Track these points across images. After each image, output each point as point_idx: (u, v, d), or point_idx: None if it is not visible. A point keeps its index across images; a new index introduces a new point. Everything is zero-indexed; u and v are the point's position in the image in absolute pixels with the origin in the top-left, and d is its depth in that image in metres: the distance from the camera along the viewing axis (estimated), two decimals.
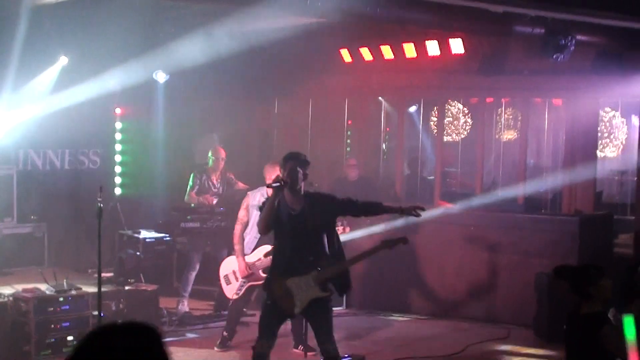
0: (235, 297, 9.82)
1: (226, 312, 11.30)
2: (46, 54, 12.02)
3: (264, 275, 9.44)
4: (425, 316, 11.69)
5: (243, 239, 9.74)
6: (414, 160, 13.67)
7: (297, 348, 9.73)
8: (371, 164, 14.07)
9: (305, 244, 7.26)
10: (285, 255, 7.31)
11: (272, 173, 9.38)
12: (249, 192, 9.96)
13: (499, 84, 12.29)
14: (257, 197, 9.57)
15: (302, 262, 7.24)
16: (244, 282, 9.74)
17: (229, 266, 9.90)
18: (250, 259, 9.69)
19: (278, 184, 7.15)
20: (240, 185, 11.82)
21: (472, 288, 11.64)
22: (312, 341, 9.48)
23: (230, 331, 9.91)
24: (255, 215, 9.39)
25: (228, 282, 9.89)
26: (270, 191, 9.37)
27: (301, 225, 7.21)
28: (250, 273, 9.65)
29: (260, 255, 9.58)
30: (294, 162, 7.25)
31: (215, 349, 9.79)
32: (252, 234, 9.66)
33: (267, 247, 9.38)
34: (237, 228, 9.77)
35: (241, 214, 9.77)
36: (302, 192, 7.31)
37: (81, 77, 12.11)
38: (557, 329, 10.29)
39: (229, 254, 11.40)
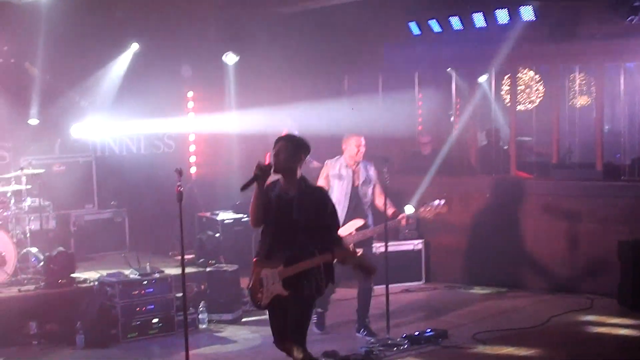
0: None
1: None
2: (118, 41, 12.18)
3: (357, 251, 9.42)
4: (506, 288, 11.61)
5: None
6: (490, 131, 13.54)
7: (358, 332, 9.53)
8: (443, 136, 13.97)
9: (287, 234, 6.70)
10: (266, 242, 6.82)
11: (356, 144, 9.37)
12: (327, 162, 9.61)
13: (571, 50, 12.07)
14: (337, 166, 9.43)
15: (279, 253, 6.75)
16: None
17: None
18: (341, 232, 9.48)
19: (256, 174, 6.58)
20: (315, 164, 11.83)
21: (552, 258, 11.52)
22: (375, 323, 9.54)
23: (326, 307, 9.62)
24: (338, 185, 9.36)
25: None
26: (351, 158, 9.43)
27: (288, 211, 6.67)
28: None
29: (352, 229, 9.26)
30: (283, 142, 6.75)
31: (315, 330, 9.49)
32: (338, 205, 8.98)
33: (360, 222, 9.30)
34: None
35: (320, 182, 9.39)
36: (299, 178, 6.75)
37: (153, 63, 12.25)
38: None
39: None
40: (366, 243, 9.41)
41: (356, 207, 9.37)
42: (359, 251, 9.32)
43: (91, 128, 12.39)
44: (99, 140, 12.67)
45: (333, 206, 6.93)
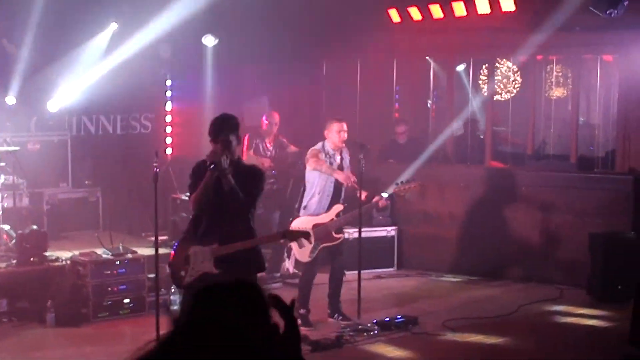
0: (308, 259, 9.40)
1: (278, 275, 11.44)
2: (96, 21, 12.11)
3: (338, 236, 9.47)
4: (478, 277, 11.68)
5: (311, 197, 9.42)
6: (466, 120, 13.59)
7: (332, 317, 9.54)
8: (420, 124, 14.02)
9: (221, 212, 6.78)
10: (198, 220, 6.88)
11: (338, 129, 9.39)
12: (316, 148, 9.52)
13: (550, 41, 12.11)
14: (322, 154, 9.43)
15: (212, 231, 6.83)
16: (318, 244, 9.30)
17: (301, 226, 9.29)
18: (323, 219, 9.35)
19: (213, 165, 6.66)
20: (292, 148, 11.88)
21: (525, 248, 11.61)
22: (347, 309, 9.58)
23: (307, 306, 9.42)
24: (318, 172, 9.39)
25: (301, 245, 9.28)
26: (333, 145, 9.44)
27: (222, 189, 6.74)
28: (322, 235, 9.24)
29: (332, 215, 9.33)
30: (226, 132, 6.78)
31: (302, 328, 9.08)
32: (324, 192, 9.36)
33: (340, 207, 9.37)
34: (314, 160, 9.38)
35: (310, 163, 9.39)
36: (236, 158, 6.90)
37: (131, 43, 12.20)
38: (611, 289, 10.34)
39: (281, 217, 11.50)
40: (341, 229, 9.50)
41: (338, 192, 9.40)
42: (340, 237, 9.41)
43: (67, 106, 12.32)
44: (75, 119, 12.60)
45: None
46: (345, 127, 9.41)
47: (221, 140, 6.76)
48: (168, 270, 7.17)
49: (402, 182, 9.68)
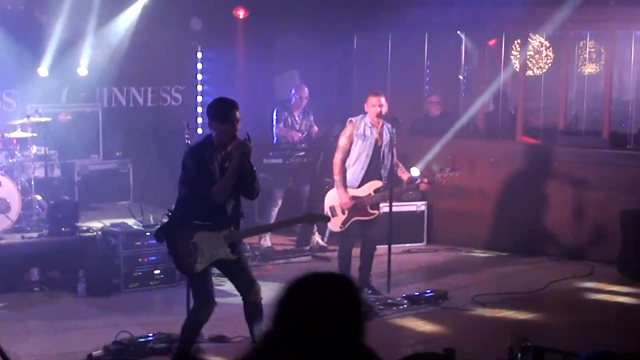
0: (339, 230, 9.37)
1: (308, 248, 11.47)
2: None
3: (373, 212, 9.44)
4: (507, 252, 11.64)
5: (345, 170, 9.29)
6: (497, 96, 13.50)
7: (362, 290, 9.51)
8: (451, 99, 13.95)
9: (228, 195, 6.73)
10: (197, 205, 6.68)
11: (374, 103, 9.34)
12: (352, 119, 9.41)
13: (584, 16, 11.99)
14: (362, 126, 9.29)
15: (219, 216, 6.72)
16: (351, 216, 9.27)
17: (334, 198, 9.37)
18: (359, 193, 9.27)
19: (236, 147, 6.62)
20: (315, 129, 11.83)
21: (556, 225, 11.55)
22: (376, 283, 9.57)
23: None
24: (360, 145, 9.28)
25: (334, 214, 9.32)
26: (371, 119, 9.40)
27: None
28: (354, 205, 9.21)
29: (370, 190, 9.25)
30: (236, 112, 6.73)
31: None
32: (358, 164, 9.27)
33: (378, 183, 9.30)
34: (337, 157, 9.25)
35: (342, 141, 9.29)
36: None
37: (162, 15, 12.21)
38: None
39: (312, 190, 11.51)
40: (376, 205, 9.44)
41: (375, 168, 9.34)
42: (375, 212, 9.39)
43: (98, 78, 12.37)
44: (106, 90, 12.65)
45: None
46: (382, 101, 9.32)
47: (237, 121, 6.68)
48: (170, 259, 7.05)
49: (445, 170, 9.62)
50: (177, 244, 6.74)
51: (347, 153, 9.31)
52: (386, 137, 9.33)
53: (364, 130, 9.30)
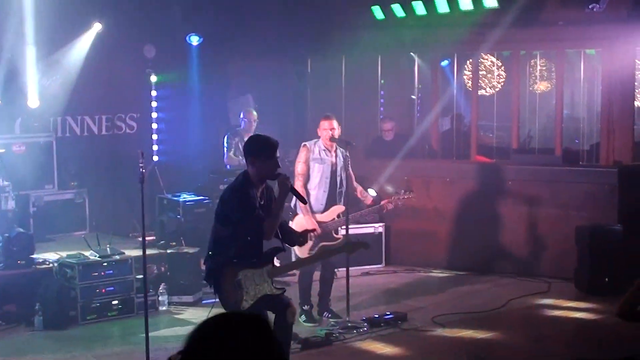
0: (307, 255, 9.18)
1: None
2: (80, 21, 12.09)
3: (338, 237, 9.44)
4: (466, 272, 11.71)
5: (307, 194, 9.27)
6: (452, 116, 13.61)
7: (321, 315, 9.54)
8: (405, 120, 14.04)
9: (260, 234, 6.87)
10: (237, 244, 6.80)
11: (325, 127, 9.39)
12: (306, 144, 9.49)
13: (533, 36, 12.17)
14: (316, 150, 9.36)
15: (259, 252, 6.90)
16: (318, 242, 9.23)
17: (301, 225, 9.20)
18: (323, 218, 9.28)
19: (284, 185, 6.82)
20: None
21: (512, 243, 11.66)
22: (336, 307, 9.61)
23: (309, 301, 9.46)
24: (318, 169, 9.33)
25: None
26: (324, 143, 9.42)
27: (263, 213, 6.84)
28: (323, 233, 9.20)
29: (334, 215, 9.28)
30: (276, 149, 6.86)
31: (306, 325, 9.29)
32: (320, 188, 9.32)
33: (341, 207, 9.32)
34: (298, 184, 9.18)
35: (299, 167, 9.33)
36: None
37: (115, 43, 12.18)
38: (598, 281, 10.39)
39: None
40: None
41: (335, 192, 9.38)
42: (340, 237, 9.41)
43: (51, 107, 12.28)
44: (60, 120, 12.56)
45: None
46: (333, 124, 9.37)
47: (278, 160, 6.86)
48: (216, 299, 7.03)
49: (400, 192, 9.67)
50: (222, 284, 6.78)
51: (307, 178, 9.36)
52: (340, 161, 9.38)
53: (320, 153, 9.34)
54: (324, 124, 9.39)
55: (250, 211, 6.72)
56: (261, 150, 6.82)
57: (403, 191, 9.65)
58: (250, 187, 6.78)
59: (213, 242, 6.94)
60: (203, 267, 11.01)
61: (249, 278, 6.77)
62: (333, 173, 9.35)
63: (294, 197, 9.28)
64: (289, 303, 6.94)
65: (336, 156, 9.40)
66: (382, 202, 9.52)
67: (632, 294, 5.89)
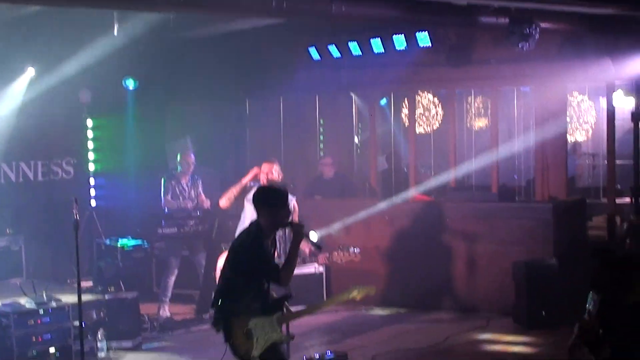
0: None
1: (207, 316, 11.36)
2: (12, 66, 12.00)
3: None
4: (406, 309, 11.75)
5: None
6: (389, 155, 13.73)
7: None
8: (345, 159, 14.13)
9: (267, 282, 6.96)
10: (246, 294, 6.84)
11: (264, 170, 9.46)
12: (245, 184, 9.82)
13: (467, 74, 12.38)
14: (252, 192, 9.50)
15: (269, 300, 6.97)
16: None
17: None
18: None
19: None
20: (202, 197, 11.78)
21: (451, 279, 11.74)
22: None
23: None
24: (249, 210, 9.41)
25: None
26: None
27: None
28: None
29: None
30: (287, 197, 7.11)
31: None
32: None
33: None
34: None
35: (233, 189, 9.74)
36: None
37: (50, 88, 12.11)
38: (536, 315, 10.50)
39: (208, 258, 11.45)
40: None
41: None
42: None
43: None
44: None
45: None
46: (272, 168, 9.47)
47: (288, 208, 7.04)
48: (228, 349, 6.90)
49: (344, 249, 9.72)
50: (232, 333, 6.74)
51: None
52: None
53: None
54: (264, 167, 9.54)
55: (267, 262, 6.81)
56: (274, 199, 6.92)
57: (346, 248, 9.70)
58: (264, 237, 6.85)
59: (225, 290, 6.92)
60: (162, 313, 11.03)
61: (260, 327, 6.76)
62: None
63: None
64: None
65: None
66: (318, 256, 9.53)
67: (576, 339, 6.03)
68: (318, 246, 7.28)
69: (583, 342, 6.09)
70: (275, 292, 7.20)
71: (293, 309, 9.60)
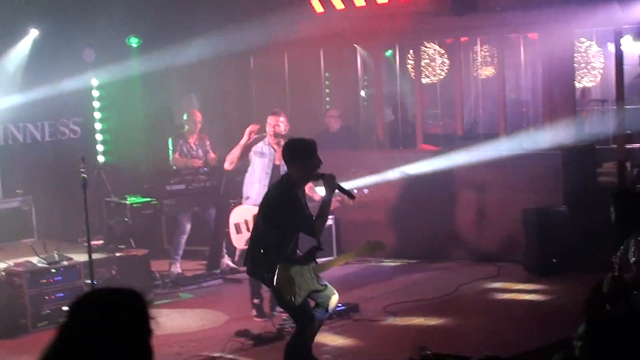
0: (245, 247, 9.16)
1: (219, 271, 11.42)
2: (16, 28, 11.96)
3: None
4: (416, 260, 11.77)
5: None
6: (396, 105, 13.67)
7: (273, 310, 9.42)
8: (351, 112, 14.07)
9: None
10: (287, 243, 7.16)
11: (270, 122, 9.49)
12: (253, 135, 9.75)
13: (473, 23, 12.25)
14: (260, 144, 9.53)
15: (295, 248, 7.26)
16: None
17: (241, 215, 9.54)
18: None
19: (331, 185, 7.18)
20: (211, 155, 11.75)
21: (460, 228, 11.75)
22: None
23: (259, 295, 9.40)
24: (259, 162, 9.44)
25: (239, 231, 9.51)
26: (269, 138, 9.50)
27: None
28: None
29: None
30: (316, 147, 7.23)
31: (257, 319, 9.30)
32: (259, 182, 9.44)
33: None
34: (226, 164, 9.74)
35: (235, 151, 9.65)
36: None
37: (54, 48, 12.07)
38: (546, 263, 10.51)
39: (217, 213, 11.46)
40: None
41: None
42: None
43: None
44: (2, 128, 12.42)
45: None
46: (278, 120, 9.44)
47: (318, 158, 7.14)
48: (270, 294, 7.51)
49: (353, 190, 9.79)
50: (278, 281, 7.02)
51: (247, 168, 9.60)
52: None
53: (262, 147, 9.40)
54: (270, 120, 9.49)
55: (302, 212, 7.05)
56: (305, 151, 7.12)
57: (356, 190, 9.73)
58: (296, 189, 7.08)
59: (265, 243, 7.16)
60: (174, 269, 11.08)
61: (300, 274, 7.10)
62: (275, 169, 9.37)
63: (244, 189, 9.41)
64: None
65: (278, 151, 9.38)
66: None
67: (591, 296, 6.10)
68: (351, 194, 7.47)
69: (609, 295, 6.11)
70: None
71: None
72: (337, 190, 7.21)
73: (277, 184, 7.35)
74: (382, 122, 13.19)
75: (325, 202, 7.14)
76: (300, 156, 7.08)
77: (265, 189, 9.30)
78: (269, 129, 9.43)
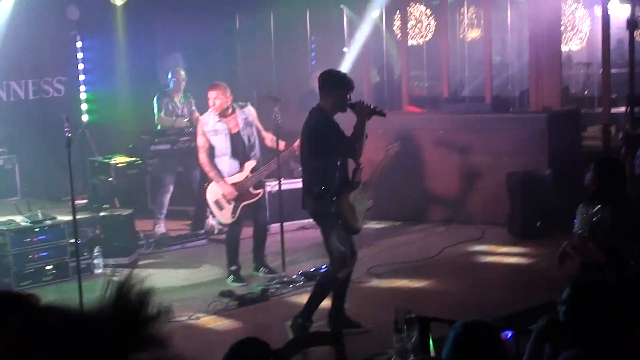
0: (231, 220, 9.33)
1: (203, 232, 11.40)
2: None
3: (257, 192, 9.44)
4: (401, 222, 11.78)
5: (215, 165, 9.24)
6: (381, 67, 13.61)
7: (257, 271, 9.51)
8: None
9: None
10: (333, 172, 7.40)
11: (209, 97, 9.27)
12: (200, 118, 9.56)
13: None
14: (210, 122, 9.25)
15: (350, 176, 7.57)
16: (238, 203, 9.23)
17: (216, 191, 9.36)
18: (237, 178, 9.22)
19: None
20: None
21: (445, 191, 11.74)
22: (271, 262, 9.64)
23: (237, 262, 9.38)
24: (217, 140, 9.21)
25: (221, 208, 9.35)
26: (216, 112, 9.37)
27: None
28: (240, 193, 9.20)
29: (247, 172, 9.22)
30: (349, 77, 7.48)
31: (234, 285, 9.18)
32: (225, 155, 9.25)
33: (252, 163, 9.27)
34: (202, 156, 9.25)
35: (200, 140, 9.26)
36: None
37: (37, 5, 11.94)
38: (530, 226, 10.55)
39: (202, 174, 11.41)
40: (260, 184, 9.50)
41: (244, 153, 9.31)
42: (259, 192, 9.40)
43: None
44: None
45: None
46: (214, 94, 9.22)
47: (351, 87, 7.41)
48: (340, 222, 7.44)
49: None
50: (342, 211, 7.33)
51: (207, 150, 9.23)
52: (241, 121, 9.28)
53: (213, 125, 9.22)
54: (209, 94, 9.28)
55: (342, 136, 7.35)
56: (337, 80, 7.42)
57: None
58: (329, 117, 7.34)
59: (316, 178, 7.44)
60: (158, 229, 11.04)
61: (358, 199, 7.50)
62: (235, 137, 9.23)
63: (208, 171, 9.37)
64: (355, 252, 7.79)
65: (235, 118, 9.30)
66: (295, 145, 9.35)
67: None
68: (382, 113, 7.64)
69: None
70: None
71: (287, 224, 9.82)
72: (370, 114, 7.44)
73: (308, 119, 7.52)
74: (367, 83, 13.14)
75: (359, 127, 7.31)
76: (335, 84, 7.35)
77: (234, 161, 9.25)
78: (210, 102, 9.28)
